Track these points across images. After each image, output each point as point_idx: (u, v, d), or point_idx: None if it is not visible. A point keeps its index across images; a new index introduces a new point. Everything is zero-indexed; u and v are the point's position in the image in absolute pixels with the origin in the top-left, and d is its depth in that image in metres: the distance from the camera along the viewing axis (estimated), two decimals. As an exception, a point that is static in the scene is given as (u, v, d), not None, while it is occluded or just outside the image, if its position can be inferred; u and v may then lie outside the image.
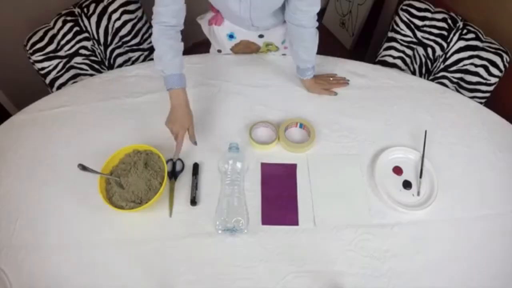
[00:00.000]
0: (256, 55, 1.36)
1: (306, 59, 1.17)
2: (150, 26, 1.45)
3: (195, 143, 1.08)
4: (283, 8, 1.10)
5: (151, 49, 1.50)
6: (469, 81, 1.35)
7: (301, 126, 1.16)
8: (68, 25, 1.29)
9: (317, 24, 1.11)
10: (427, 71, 1.45)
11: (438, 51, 1.37)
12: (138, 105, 1.22)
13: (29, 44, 1.24)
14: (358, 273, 0.93)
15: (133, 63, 1.49)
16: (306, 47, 1.15)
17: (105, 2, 1.33)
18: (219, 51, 1.36)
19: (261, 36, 1.26)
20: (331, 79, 1.28)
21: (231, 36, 1.27)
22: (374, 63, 1.49)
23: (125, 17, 1.37)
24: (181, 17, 1.05)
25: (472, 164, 1.12)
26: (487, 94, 1.35)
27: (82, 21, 1.32)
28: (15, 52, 1.43)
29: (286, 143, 1.11)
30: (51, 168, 1.09)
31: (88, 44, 1.36)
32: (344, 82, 1.27)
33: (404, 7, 1.36)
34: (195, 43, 2.12)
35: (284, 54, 1.37)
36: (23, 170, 1.09)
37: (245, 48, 1.33)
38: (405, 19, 1.37)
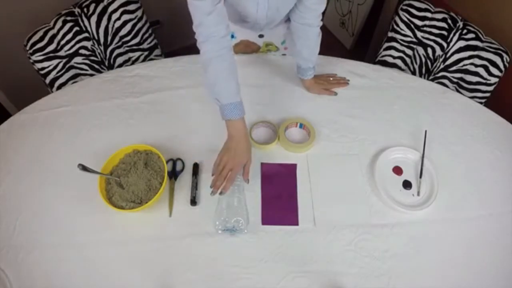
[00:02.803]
0: (256, 55, 1.36)
1: (308, 58, 1.17)
2: (150, 26, 1.47)
3: (247, 181, 0.97)
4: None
5: (151, 49, 1.51)
6: (469, 81, 1.35)
7: (301, 126, 1.16)
8: (68, 25, 1.29)
9: (321, 23, 1.11)
10: (427, 71, 1.45)
11: (438, 51, 1.37)
12: (138, 105, 1.22)
13: (29, 44, 1.24)
14: (358, 273, 0.93)
15: (133, 63, 1.49)
16: (309, 46, 1.15)
17: (105, 2, 1.33)
18: None
19: (261, 36, 1.26)
20: (331, 79, 1.28)
21: (231, 36, 1.27)
22: (374, 63, 1.49)
23: (125, 17, 1.37)
24: (226, 20, 0.93)
25: (472, 164, 1.12)
26: (487, 94, 1.35)
27: (82, 21, 1.32)
28: (15, 52, 1.43)
29: (286, 143, 1.11)
30: (51, 168, 1.09)
31: (88, 44, 1.36)
32: (344, 82, 1.27)
33: (404, 7, 1.36)
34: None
35: (284, 55, 1.37)
36: (23, 170, 1.09)
37: (245, 48, 1.33)
38: (405, 19, 1.37)
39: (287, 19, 1.22)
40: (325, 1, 1.05)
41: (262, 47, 1.33)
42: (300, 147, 1.11)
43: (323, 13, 1.09)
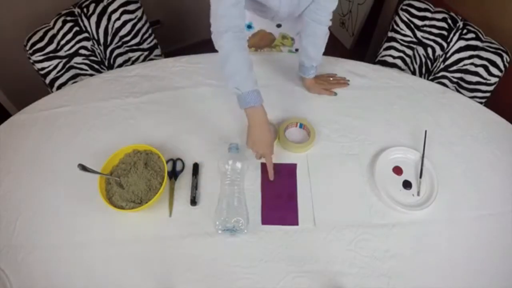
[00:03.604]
0: (255, 55, 1.36)
1: (313, 57, 1.17)
2: (150, 26, 1.47)
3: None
4: None
5: (151, 49, 1.50)
6: (469, 81, 1.35)
7: (301, 126, 1.16)
8: (68, 25, 1.29)
9: (330, 23, 1.12)
10: (427, 71, 1.45)
11: (438, 51, 1.37)
12: (138, 105, 1.22)
13: (29, 44, 1.25)
14: (358, 273, 0.93)
15: (133, 63, 1.49)
16: (316, 44, 1.15)
17: (105, 2, 1.33)
18: None
19: (279, 25, 1.27)
20: (331, 79, 1.28)
21: (249, 27, 1.27)
22: (374, 63, 1.49)
23: (125, 17, 1.37)
24: (244, 15, 0.97)
25: (472, 164, 1.12)
26: (487, 94, 1.35)
27: (82, 21, 1.32)
28: (15, 52, 1.43)
29: (286, 143, 1.11)
30: (51, 168, 1.09)
31: (88, 44, 1.36)
32: (344, 82, 1.27)
33: (404, 7, 1.36)
34: (197, 42, 2.13)
35: (297, 49, 1.37)
36: (23, 170, 1.09)
37: (260, 41, 1.33)
38: (405, 19, 1.37)
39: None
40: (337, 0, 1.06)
41: (278, 39, 1.33)
42: (300, 147, 1.11)
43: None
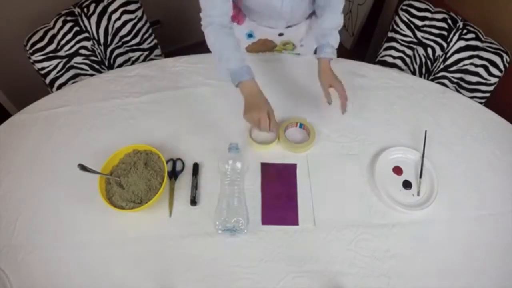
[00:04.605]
0: (256, 55, 1.36)
1: (328, 29, 1.12)
2: (150, 26, 1.47)
3: (276, 131, 1.06)
4: None
5: (151, 49, 1.50)
6: (469, 81, 1.35)
7: (301, 126, 1.16)
8: (68, 25, 1.29)
9: (344, 2, 1.12)
10: (427, 71, 1.45)
11: (438, 51, 1.37)
12: (138, 105, 1.22)
13: (29, 44, 1.24)
14: (358, 273, 0.93)
15: (133, 63, 1.49)
16: (332, 12, 1.11)
17: (105, 2, 1.33)
18: None
19: (281, 34, 1.26)
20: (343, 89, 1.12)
21: (249, 35, 1.26)
22: (374, 63, 1.49)
23: (125, 17, 1.37)
24: (230, 14, 1.05)
25: (472, 164, 1.12)
26: (487, 94, 1.35)
27: (82, 21, 1.32)
28: (15, 52, 1.43)
29: (286, 143, 1.11)
30: (51, 168, 1.09)
31: (88, 44, 1.36)
32: (344, 99, 1.12)
33: (404, 7, 1.36)
34: (197, 42, 2.13)
35: (298, 54, 1.36)
36: (23, 170, 1.09)
37: (260, 47, 1.32)
38: (405, 19, 1.37)
39: (308, 16, 1.22)
40: None
41: (279, 45, 1.32)
42: (300, 147, 1.11)
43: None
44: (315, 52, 1.20)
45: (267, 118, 1.00)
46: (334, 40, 1.14)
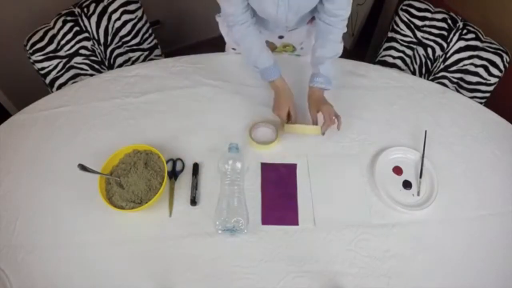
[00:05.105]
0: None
1: (319, 58, 1.11)
2: (150, 26, 1.47)
3: (295, 118, 1.11)
4: (313, 8, 1.10)
5: (151, 49, 1.51)
6: (469, 81, 1.35)
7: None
8: (68, 25, 1.29)
9: (345, 29, 1.13)
10: (427, 71, 1.45)
11: (438, 51, 1.37)
12: (138, 105, 1.22)
13: (29, 44, 1.24)
14: (358, 273, 0.93)
15: (133, 63, 1.49)
16: (330, 40, 1.13)
17: (105, 2, 1.33)
18: (234, 49, 1.36)
19: (281, 37, 1.26)
20: (334, 118, 1.09)
21: None
22: (374, 63, 1.49)
23: (125, 17, 1.37)
24: (250, 10, 1.08)
25: (472, 164, 1.12)
26: (487, 94, 1.35)
27: (82, 21, 1.32)
28: (15, 52, 1.43)
29: (291, 128, 1.10)
30: (51, 168, 1.09)
31: (88, 44, 1.36)
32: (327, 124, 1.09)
33: (404, 7, 1.36)
34: (197, 42, 2.13)
35: (298, 55, 1.36)
36: (23, 170, 1.09)
37: None
38: (405, 19, 1.37)
39: (308, 21, 1.21)
40: (349, 7, 1.06)
41: (279, 47, 1.32)
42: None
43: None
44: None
45: (285, 116, 1.10)
46: (327, 73, 1.10)
